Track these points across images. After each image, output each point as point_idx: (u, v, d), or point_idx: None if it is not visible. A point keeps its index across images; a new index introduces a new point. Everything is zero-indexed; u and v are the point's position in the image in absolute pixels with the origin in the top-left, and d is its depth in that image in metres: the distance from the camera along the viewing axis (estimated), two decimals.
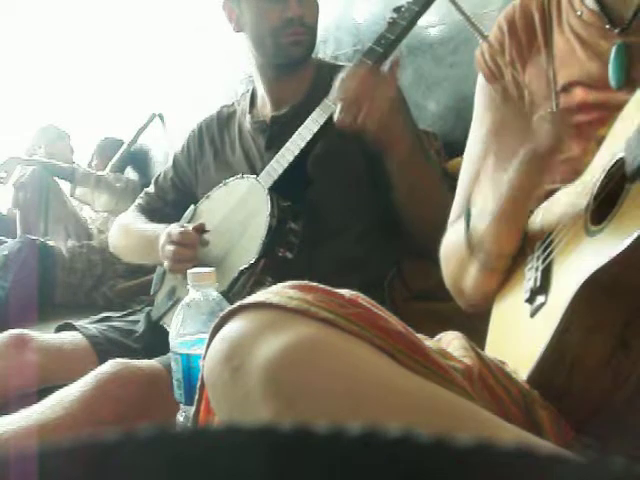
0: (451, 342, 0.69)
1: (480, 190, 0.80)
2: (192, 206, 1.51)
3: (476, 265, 0.81)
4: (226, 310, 0.55)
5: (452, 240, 0.88)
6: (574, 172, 0.73)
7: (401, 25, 1.22)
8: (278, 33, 1.37)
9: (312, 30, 1.41)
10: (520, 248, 0.79)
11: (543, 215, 0.78)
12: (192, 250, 1.34)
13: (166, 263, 1.36)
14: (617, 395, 0.59)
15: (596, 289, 0.58)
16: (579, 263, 0.63)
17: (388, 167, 1.23)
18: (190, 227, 1.37)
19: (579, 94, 0.79)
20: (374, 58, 1.25)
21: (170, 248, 1.34)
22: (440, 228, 1.11)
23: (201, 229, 1.37)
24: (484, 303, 0.85)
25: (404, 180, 1.24)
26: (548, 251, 0.71)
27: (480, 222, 0.79)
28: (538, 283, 0.69)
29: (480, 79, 0.94)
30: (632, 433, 0.59)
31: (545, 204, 0.79)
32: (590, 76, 0.79)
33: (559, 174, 0.76)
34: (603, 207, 0.64)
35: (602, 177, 0.66)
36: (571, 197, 0.72)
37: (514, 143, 0.85)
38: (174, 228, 1.37)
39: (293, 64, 1.42)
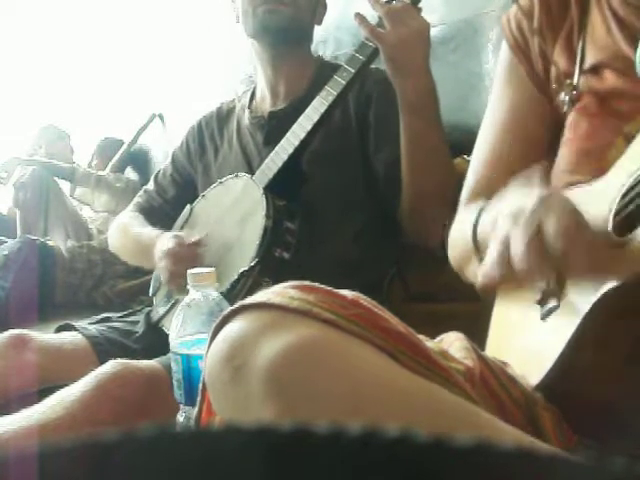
0: (452, 343, 0.69)
1: (497, 199, 0.74)
2: (188, 206, 1.50)
3: (481, 259, 0.79)
4: (227, 310, 0.55)
5: (460, 228, 0.85)
6: (599, 165, 0.68)
7: None
8: (256, 2, 1.39)
9: (293, 2, 1.40)
10: None
11: None
12: (186, 265, 1.33)
13: (162, 277, 1.38)
14: (626, 406, 0.59)
15: (615, 304, 0.57)
16: None
17: (400, 110, 1.22)
18: (184, 241, 1.35)
19: (610, 78, 0.73)
20: (367, 53, 1.25)
21: (164, 264, 1.33)
22: (437, 219, 1.10)
23: (199, 245, 1.36)
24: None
25: (412, 128, 1.22)
26: None
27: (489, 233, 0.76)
28: (551, 285, 0.66)
29: (503, 49, 0.87)
30: (634, 434, 0.59)
31: None
32: (624, 60, 0.72)
33: (582, 164, 0.72)
34: (628, 217, 0.61)
35: (630, 183, 0.61)
36: (592, 198, 0.66)
37: (535, 127, 0.80)
38: (166, 242, 1.35)
39: (274, 36, 1.41)
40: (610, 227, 0.62)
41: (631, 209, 0.61)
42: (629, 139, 0.66)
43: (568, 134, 0.76)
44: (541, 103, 0.82)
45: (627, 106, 0.71)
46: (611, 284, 0.57)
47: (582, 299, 0.59)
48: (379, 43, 1.19)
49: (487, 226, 0.76)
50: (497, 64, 0.90)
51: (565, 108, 0.78)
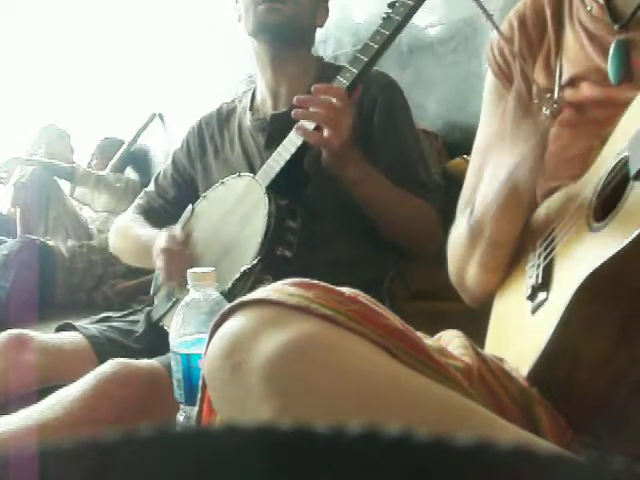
0: (451, 340, 0.69)
1: (483, 179, 0.80)
2: (190, 206, 1.51)
3: (477, 259, 0.82)
4: (226, 307, 0.55)
5: (457, 234, 0.88)
6: (579, 170, 0.73)
7: (396, 20, 1.22)
8: (257, 0, 1.40)
9: (293, 2, 1.41)
10: (521, 245, 0.79)
11: (545, 211, 0.78)
12: (179, 264, 1.34)
13: (160, 277, 1.40)
14: (617, 393, 0.59)
15: (598, 285, 0.58)
16: (581, 259, 0.63)
17: (344, 186, 1.30)
18: (177, 234, 1.38)
19: (586, 89, 0.79)
20: (369, 54, 1.25)
21: (160, 264, 1.36)
22: (422, 243, 1.14)
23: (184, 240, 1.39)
24: (486, 299, 0.85)
25: (359, 197, 1.31)
26: (550, 248, 0.71)
27: (482, 210, 0.79)
28: (539, 280, 0.69)
29: (489, 75, 0.93)
30: (631, 432, 0.59)
31: (548, 201, 0.79)
32: (597, 71, 0.78)
33: (564, 171, 0.76)
34: (606, 204, 0.65)
35: (606, 175, 0.66)
36: (574, 194, 0.72)
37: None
38: (162, 240, 1.38)
39: (273, 35, 1.42)
40: (591, 212, 0.66)
41: (609, 190, 0.65)
42: (605, 141, 0.70)
43: (551, 146, 0.80)
44: None
45: (603, 113, 0.75)
46: (591, 267, 0.58)
47: (567, 290, 0.60)
48: (326, 148, 1.25)
49: (481, 205, 0.79)
50: (484, 88, 0.95)
51: (547, 122, 0.82)
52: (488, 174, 0.79)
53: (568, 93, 0.81)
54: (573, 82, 0.81)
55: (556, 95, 0.82)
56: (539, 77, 0.85)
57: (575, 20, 0.83)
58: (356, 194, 1.30)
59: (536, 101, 0.85)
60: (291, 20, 1.41)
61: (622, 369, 0.59)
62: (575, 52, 0.81)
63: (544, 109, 0.82)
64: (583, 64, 0.80)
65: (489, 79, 0.93)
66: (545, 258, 0.71)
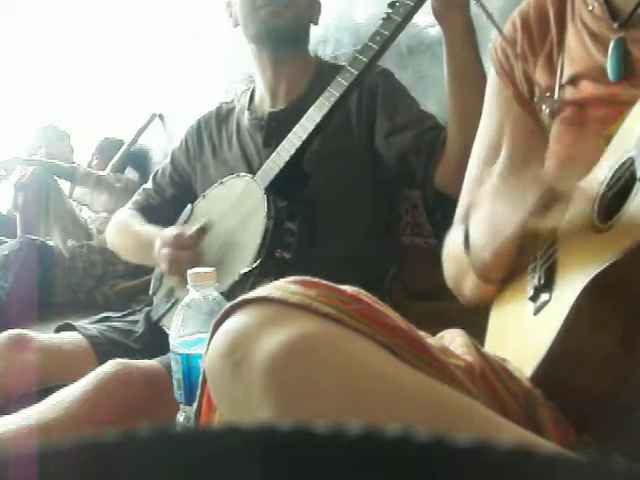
0: (453, 339, 0.70)
1: (480, 210, 0.80)
2: (189, 206, 1.50)
3: (474, 276, 0.82)
4: (228, 304, 0.55)
5: (453, 245, 0.88)
6: (584, 168, 0.72)
7: (396, 21, 1.22)
8: (257, 5, 1.39)
9: (294, 4, 1.41)
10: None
11: None
12: (188, 252, 1.33)
13: (162, 266, 1.36)
14: (620, 393, 0.59)
15: (602, 288, 0.58)
16: (585, 261, 0.63)
17: (448, 44, 1.21)
18: (186, 230, 1.36)
19: (587, 87, 0.79)
20: (369, 55, 1.25)
21: (165, 251, 1.34)
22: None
23: (203, 231, 1.36)
24: (484, 304, 0.85)
25: (460, 60, 1.20)
26: (552, 249, 0.71)
27: (478, 248, 0.79)
28: (542, 281, 0.69)
29: (492, 74, 0.93)
30: (633, 433, 0.59)
31: None
32: (598, 69, 0.78)
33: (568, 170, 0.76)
34: (611, 206, 0.64)
35: (611, 175, 0.66)
36: (578, 194, 0.71)
37: (522, 144, 0.85)
38: (168, 231, 1.37)
39: (277, 39, 1.42)
40: (595, 213, 0.66)
41: (615, 191, 0.64)
42: (609, 141, 0.70)
43: (553, 146, 0.81)
44: (527, 123, 0.87)
45: (605, 111, 0.76)
46: (597, 268, 0.58)
47: (571, 291, 0.60)
48: None
49: (478, 243, 0.79)
50: (487, 86, 0.95)
51: (547, 121, 0.83)
52: (484, 214, 0.78)
53: (569, 92, 0.81)
54: (574, 80, 0.81)
55: (556, 93, 0.82)
56: (541, 76, 0.86)
57: (577, 19, 0.83)
58: (462, 54, 1.19)
59: (536, 99, 0.85)
60: (292, 22, 1.42)
61: (624, 371, 0.59)
62: (577, 51, 0.82)
63: (544, 108, 0.82)
64: (584, 62, 0.80)
65: (491, 78, 0.93)
66: (547, 259, 0.71)
